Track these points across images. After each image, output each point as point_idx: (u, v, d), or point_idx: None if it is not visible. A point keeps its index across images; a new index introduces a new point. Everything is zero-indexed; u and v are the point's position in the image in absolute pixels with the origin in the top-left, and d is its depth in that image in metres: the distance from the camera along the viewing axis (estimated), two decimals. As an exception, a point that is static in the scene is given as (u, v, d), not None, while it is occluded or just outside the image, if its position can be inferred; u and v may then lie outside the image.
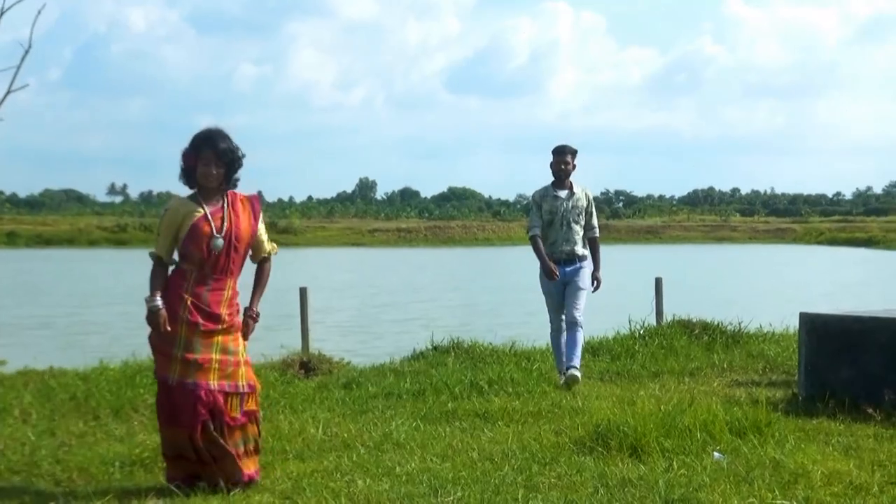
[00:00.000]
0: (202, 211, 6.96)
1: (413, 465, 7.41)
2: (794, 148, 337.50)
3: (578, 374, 11.15)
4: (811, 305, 11.41)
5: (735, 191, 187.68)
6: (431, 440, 8.38)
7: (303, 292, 14.55)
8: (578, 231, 11.50)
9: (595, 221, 11.72)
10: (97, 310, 30.85)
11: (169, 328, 6.84)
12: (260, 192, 7.37)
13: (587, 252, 11.59)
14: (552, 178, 11.62)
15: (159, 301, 6.87)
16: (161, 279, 6.99)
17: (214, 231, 6.92)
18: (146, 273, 6.95)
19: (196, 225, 6.91)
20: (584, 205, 11.59)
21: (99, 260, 70.08)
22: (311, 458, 7.81)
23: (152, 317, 6.88)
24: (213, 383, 6.86)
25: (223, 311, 6.96)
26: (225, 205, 7.06)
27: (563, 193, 11.51)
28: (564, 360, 11.30)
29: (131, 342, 14.18)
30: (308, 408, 10.03)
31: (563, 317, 11.43)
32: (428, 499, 6.35)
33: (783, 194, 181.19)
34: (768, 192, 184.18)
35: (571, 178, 11.62)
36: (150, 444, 8.01)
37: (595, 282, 11.55)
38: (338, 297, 35.29)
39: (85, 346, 16.49)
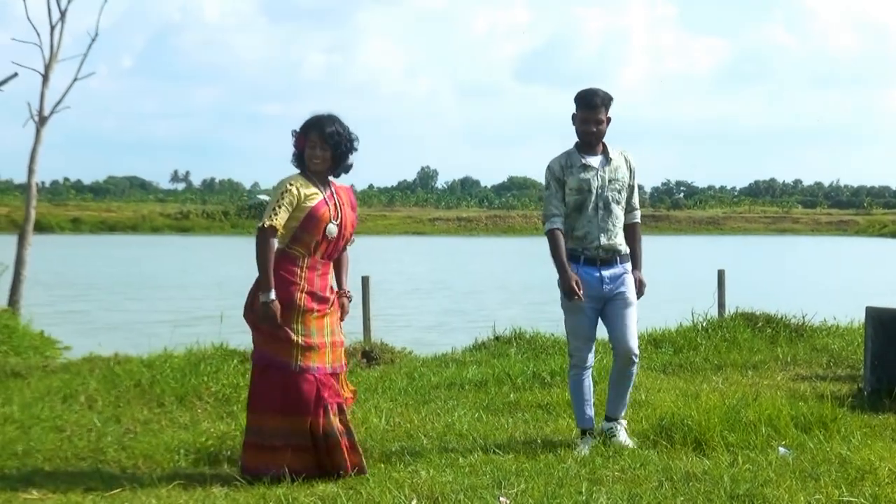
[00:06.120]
0: (321, 195, 6.99)
1: (476, 456, 7.41)
2: (859, 139, 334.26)
3: (622, 429, 7.94)
4: (876, 299, 11.25)
5: (797, 182, 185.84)
6: (494, 431, 8.39)
7: (365, 281, 14.57)
8: (620, 216, 7.94)
9: (637, 201, 8.15)
10: (166, 301, 31.05)
11: (280, 321, 6.82)
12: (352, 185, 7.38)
13: (626, 244, 8.07)
14: (576, 142, 8.01)
15: (272, 294, 6.79)
16: (272, 258, 6.86)
17: (332, 217, 6.98)
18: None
19: (317, 208, 6.93)
20: (626, 177, 7.99)
21: (163, 246, 70.60)
22: (374, 447, 7.83)
23: (266, 309, 6.81)
24: (328, 366, 6.96)
25: (330, 294, 7.08)
26: (332, 192, 7.10)
27: (594, 161, 7.89)
28: (606, 408, 8.06)
29: (195, 329, 14.31)
30: (370, 397, 10.06)
31: (591, 348, 8.05)
32: (491, 490, 6.33)
33: (846, 186, 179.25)
34: (834, 183, 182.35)
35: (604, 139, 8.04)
36: (215, 433, 8.07)
37: (638, 285, 8.07)
38: (400, 287, 35.25)
39: (150, 332, 16.59)
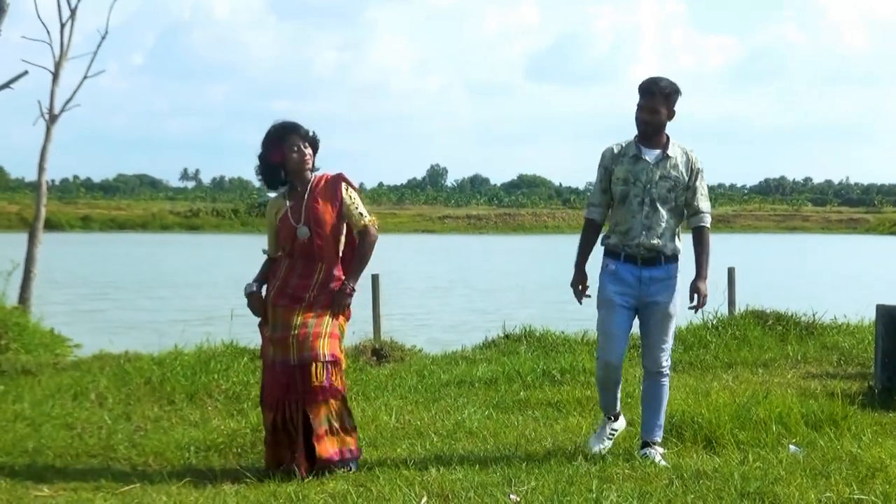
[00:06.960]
0: (286, 205, 7.22)
1: (486, 453, 7.43)
2: (870, 137, 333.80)
3: (658, 455, 7.23)
4: (886, 297, 11.22)
5: (807, 180, 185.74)
6: (504, 429, 8.39)
7: (374, 279, 14.54)
8: (666, 217, 7.24)
9: (704, 203, 7.38)
10: (175, 300, 31.08)
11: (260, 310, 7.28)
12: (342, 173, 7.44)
13: (680, 248, 7.36)
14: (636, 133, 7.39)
15: (254, 286, 7.28)
16: (263, 269, 7.41)
17: (293, 222, 7.14)
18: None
19: (282, 219, 7.21)
20: (683, 176, 7.28)
21: (173, 244, 70.64)
22: (384, 445, 7.85)
23: (247, 300, 7.29)
24: (293, 357, 7.00)
25: (308, 295, 7.14)
26: (307, 192, 7.22)
27: (650, 155, 7.26)
28: (640, 427, 7.54)
29: (205, 328, 14.30)
30: (380, 395, 10.05)
31: (621, 349, 7.42)
32: (501, 488, 6.32)
33: (856, 184, 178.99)
34: (844, 181, 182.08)
35: (668, 133, 7.38)
36: (225, 430, 8.09)
37: (697, 297, 7.29)
38: (416, 285, 35.19)
39: (161, 330, 16.60)
